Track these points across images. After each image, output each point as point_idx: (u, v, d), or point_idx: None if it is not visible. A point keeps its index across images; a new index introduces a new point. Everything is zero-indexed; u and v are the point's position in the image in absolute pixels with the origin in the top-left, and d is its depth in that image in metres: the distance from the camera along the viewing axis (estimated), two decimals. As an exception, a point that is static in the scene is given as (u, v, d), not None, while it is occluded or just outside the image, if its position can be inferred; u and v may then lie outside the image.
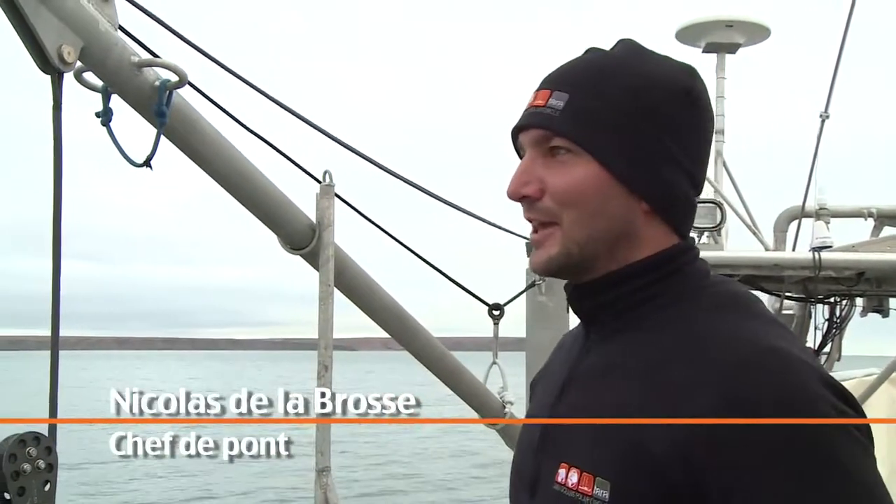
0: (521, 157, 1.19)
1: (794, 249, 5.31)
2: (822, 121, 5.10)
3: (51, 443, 1.75)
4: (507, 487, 1.26)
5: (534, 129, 1.13)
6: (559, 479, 1.07)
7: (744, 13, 5.97)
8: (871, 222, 6.00)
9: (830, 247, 5.07)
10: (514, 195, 1.14)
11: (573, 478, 1.05)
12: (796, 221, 5.58)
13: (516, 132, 1.17)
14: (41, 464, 1.72)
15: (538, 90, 1.15)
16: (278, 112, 2.45)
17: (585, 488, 1.03)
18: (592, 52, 1.18)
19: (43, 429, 1.74)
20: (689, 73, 1.15)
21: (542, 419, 1.25)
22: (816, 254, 4.73)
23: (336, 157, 2.74)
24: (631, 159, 1.10)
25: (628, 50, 1.16)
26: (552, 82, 1.15)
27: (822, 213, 5.64)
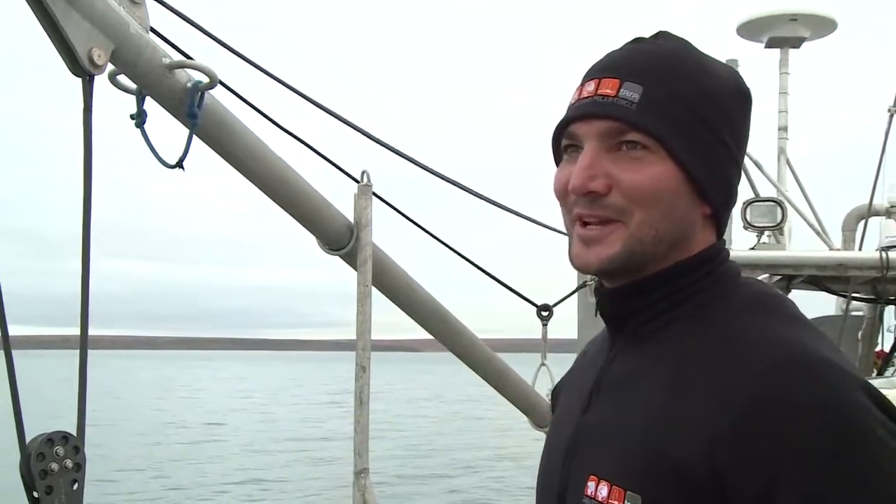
0: (559, 149, 1.13)
1: (860, 249, 5.13)
2: (891, 115, 4.91)
3: (79, 442, 1.76)
4: None
5: (605, 121, 1.06)
6: (588, 493, 1.03)
7: (809, 6, 5.79)
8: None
9: (899, 246, 4.88)
10: (580, 190, 1.06)
11: (603, 491, 1.01)
12: (864, 221, 5.39)
13: (571, 121, 1.09)
14: (69, 463, 1.73)
15: (600, 77, 1.08)
16: (312, 110, 2.43)
17: (616, 503, 0.99)
18: (644, 43, 1.12)
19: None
20: (737, 72, 1.13)
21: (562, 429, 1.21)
22: (884, 253, 4.55)
23: (372, 155, 2.72)
24: (703, 160, 1.06)
25: (680, 44, 1.11)
26: (618, 71, 1.08)
27: (892, 211, 5.45)
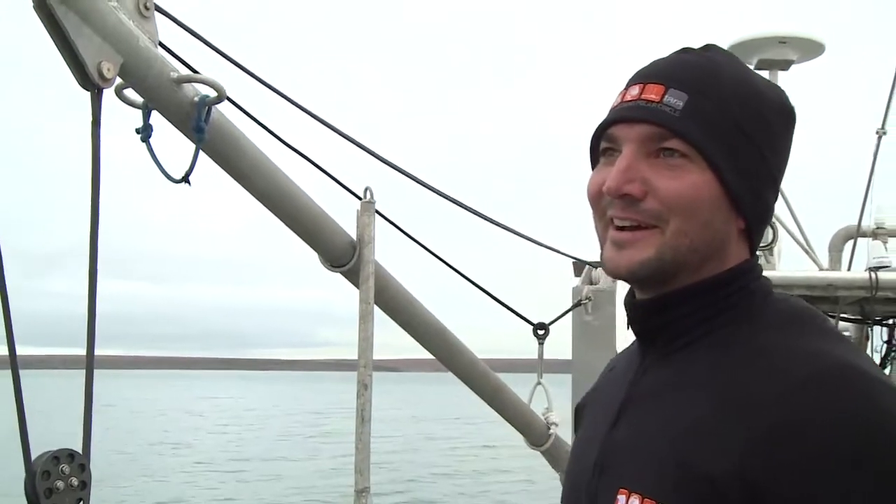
0: (596, 154, 1.13)
1: (849, 269, 5.16)
2: (879, 137, 4.97)
3: (84, 460, 1.73)
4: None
5: (647, 125, 1.06)
6: None
7: (797, 29, 5.85)
8: (931, 242, 5.83)
9: (888, 266, 4.91)
10: (616, 192, 1.05)
11: None
12: (852, 241, 5.43)
13: (609, 125, 1.10)
14: (74, 481, 1.70)
15: (645, 83, 1.08)
16: (316, 126, 2.43)
17: None
18: (692, 53, 1.12)
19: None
20: (782, 90, 1.13)
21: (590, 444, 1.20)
22: (873, 274, 4.58)
23: (375, 172, 2.72)
24: (742, 174, 1.06)
25: (728, 58, 1.12)
26: (665, 77, 1.08)
27: (879, 232, 5.49)
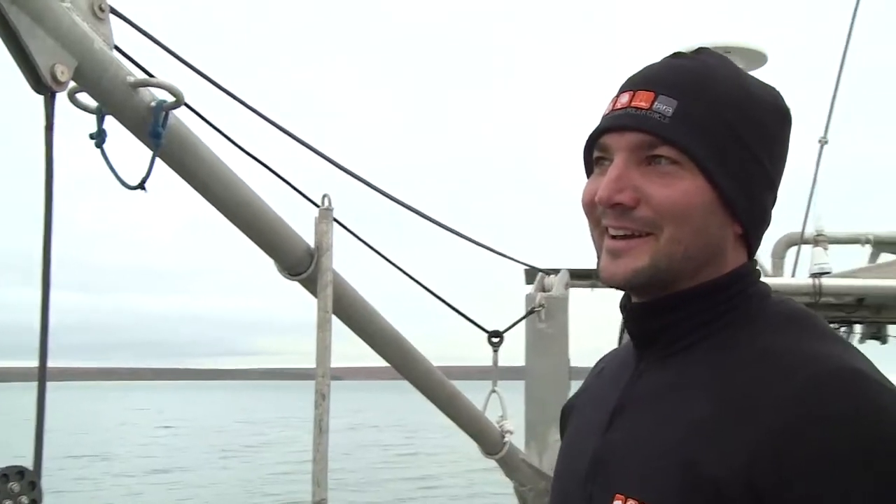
0: (590, 161, 1.12)
1: (793, 275, 5.28)
2: (821, 146, 5.09)
3: (35, 477, 1.66)
4: None
5: (637, 133, 1.05)
6: None
7: (741, 40, 5.96)
8: (867, 249, 5.99)
9: (829, 273, 5.03)
10: (607, 201, 1.05)
11: None
12: (794, 247, 5.55)
13: (600, 133, 1.09)
14: (24, 500, 1.63)
15: (635, 90, 1.07)
16: (275, 133, 2.39)
17: None
18: (683, 58, 1.11)
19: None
20: (780, 94, 1.12)
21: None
22: (816, 280, 4.69)
23: (334, 179, 2.69)
24: (736, 178, 1.05)
25: (720, 61, 1.10)
26: (654, 84, 1.06)
27: (820, 240, 5.62)
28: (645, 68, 1.11)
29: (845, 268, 5.29)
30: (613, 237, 1.07)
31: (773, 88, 1.12)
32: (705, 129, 1.03)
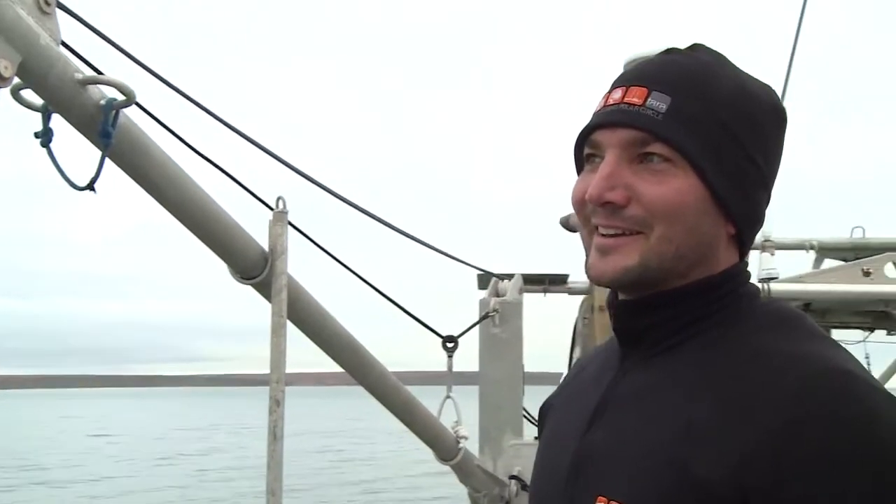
0: (581, 160, 1.10)
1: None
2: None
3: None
4: None
5: (630, 130, 1.03)
6: None
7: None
8: (812, 255, 6.11)
9: (777, 278, 5.11)
10: (597, 200, 1.03)
11: None
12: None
13: (592, 129, 1.06)
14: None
15: (628, 86, 1.05)
16: (229, 135, 2.34)
17: None
18: (679, 54, 1.09)
19: None
20: (775, 91, 1.11)
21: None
22: (765, 284, 4.76)
23: (290, 182, 2.65)
24: (729, 177, 1.03)
25: (715, 58, 1.09)
26: (648, 80, 1.05)
27: (767, 246, 5.71)
28: (639, 64, 1.09)
29: (791, 273, 5.38)
30: (603, 235, 1.05)
31: (769, 87, 1.11)
32: (699, 127, 1.02)
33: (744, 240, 1.10)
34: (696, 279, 1.06)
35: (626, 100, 1.04)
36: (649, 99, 1.02)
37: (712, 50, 1.11)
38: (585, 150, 1.09)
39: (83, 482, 25.52)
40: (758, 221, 1.10)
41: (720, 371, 0.99)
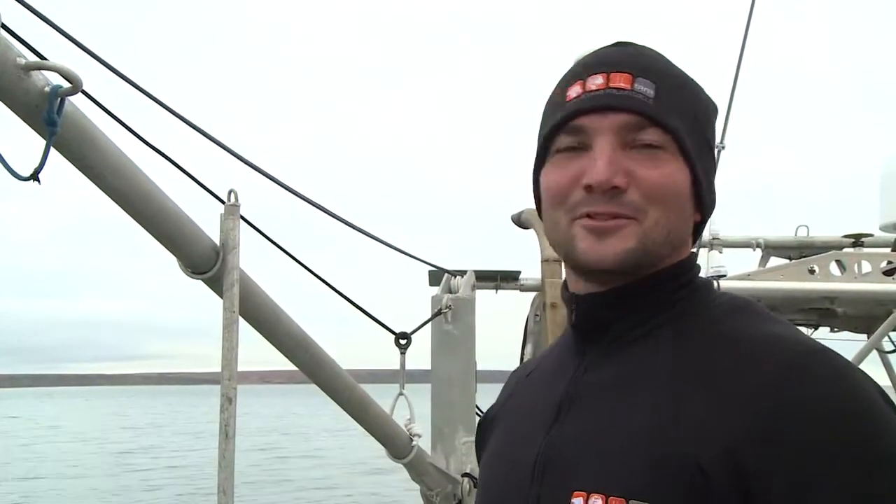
0: (547, 147, 1.06)
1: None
2: (718, 151, 5.22)
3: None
4: None
5: (624, 113, 1.00)
6: None
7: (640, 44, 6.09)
8: (758, 252, 6.21)
9: (725, 276, 5.18)
10: (606, 184, 0.99)
11: None
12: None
13: (579, 114, 1.02)
14: None
15: (609, 72, 1.02)
16: (179, 125, 2.28)
17: None
18: (633, 46, 1.07)
19: None
20: None
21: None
22: (714, 282, 4.81)
23: (242, 175, 2.59)
24: (703, 166, 1.05)
25: (658, 51, 1.10)
26: (628, 66, 1.02)
27: (715, 243, 5.78)
28: (599, 53, 1.07)
29: (738, 271, 5.46)
30: (597, 219, 1.01)
31: None
32: (682, 113, 1.02)
33: (700, 229, 1.10)
34: (664, 267, 1.05)
35: (612, 85, 1.01)
36: (636, 84, 1.01)
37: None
38: (562, 139, 1.05)
39: (20, 480, 24.91)
40: (713, 209, 1.10)
41: (696, 359, 0.98)
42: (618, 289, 1.05)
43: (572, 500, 0.96)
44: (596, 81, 1.02)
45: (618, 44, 1.09)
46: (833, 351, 0.97)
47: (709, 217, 1.09)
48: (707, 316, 1.03)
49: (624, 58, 1.05)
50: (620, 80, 1.01)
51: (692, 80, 1.08)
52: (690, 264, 1.08)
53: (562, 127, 1.04)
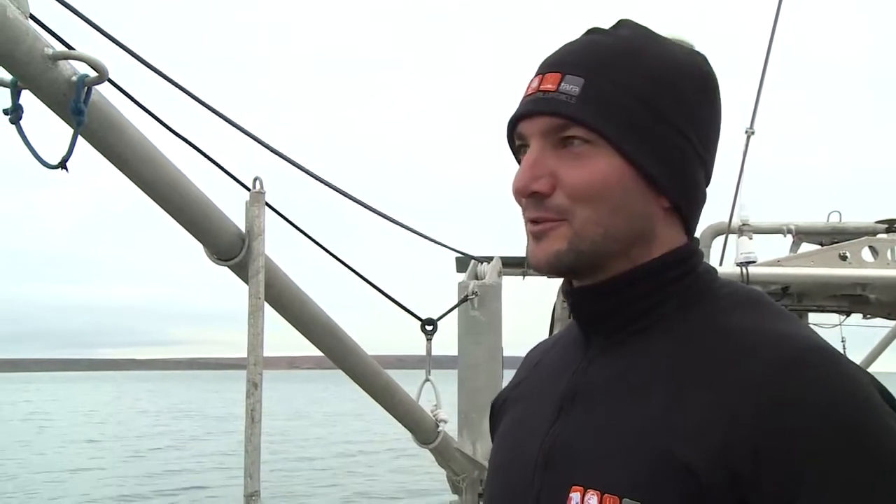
0: (516, 151, 1.09)
1: (720, 264, 5.36)
2: (748, 137, 5.17)
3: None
4: None
5: (545, 117, 1.02)
6: None
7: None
8: (789, 238, 6.14)
9: (755, 262, 5.13)
10: (523, 191, 1.03)
11: (591, 501, 0.95)
12: (721, 237, 5.65)
13: (516, 121, 1.06)
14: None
15: (544, 73, 1.04)
16: (204, 113, 2.29)
17: None
18: (599, 33, 1.08)
19: None
20: (704, 59, 1.09)
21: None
22: (744, 268, 4.77)
23: (267, 162, 2.61)
24: (654, 152, 1.01)
25: (637, 31, 1.07)
26: (562, 65, 1.04)
27: (745, 229, 5.73)
28: (559, 48, 1.08)
29: (768, 257, 5.41)
30: (533, 222, 1.05)
31: (698, 54, 1.09)
32: (616, 106, 1.00)
33: (685, 216, 1.07)
34: (639, 260, 1.05)
35: (541, 87, 1.04)
36: (562, 83, 1.02)
37: (637, 24, 1.08)
38: (516, 142, 1.09)
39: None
40: (696, 195, 1.07)
41: (694, 355, 0.97)
42: (599, 284, 1.06)
43: (570, 495, 0.97)
44: (533, 85, 1.06)
45: (588, 31, 1.09)
46: (833, 348, 0.95)
47: (687, 201, 1.06)
48: (708, 309, 1.02)
49: (567, 54, 1.06)
50: (549, 82, 1.03)
51: (665, 63, 1.03)
52: (682, 255, 1.06)
53: (510, 133, 1.09)
